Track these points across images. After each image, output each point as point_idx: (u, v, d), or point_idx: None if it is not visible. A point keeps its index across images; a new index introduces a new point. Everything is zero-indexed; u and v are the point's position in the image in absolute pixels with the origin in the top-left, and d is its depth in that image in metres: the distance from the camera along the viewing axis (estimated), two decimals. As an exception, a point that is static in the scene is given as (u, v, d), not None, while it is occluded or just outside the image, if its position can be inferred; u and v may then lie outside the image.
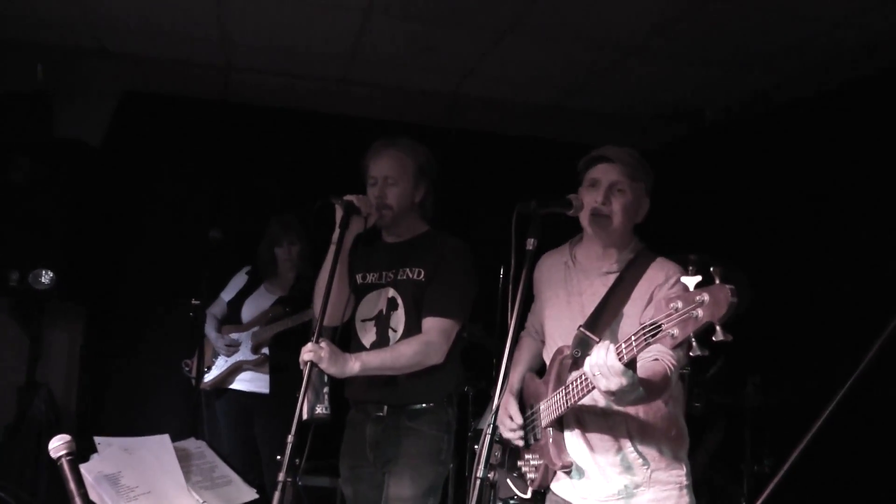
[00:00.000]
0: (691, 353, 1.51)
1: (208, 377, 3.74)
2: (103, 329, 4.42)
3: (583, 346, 2.01)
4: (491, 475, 1.83)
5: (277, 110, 4.71)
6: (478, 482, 1.78)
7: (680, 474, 2.08)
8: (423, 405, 2.48)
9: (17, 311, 4.37)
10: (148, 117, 4.51)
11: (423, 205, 2.61)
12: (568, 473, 2.11)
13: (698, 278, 1.50)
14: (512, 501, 3.25)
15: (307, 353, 2.20)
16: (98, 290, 4.36)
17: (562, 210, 2.05)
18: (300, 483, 3.95)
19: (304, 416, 2.13)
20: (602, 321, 2.05)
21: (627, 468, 2.05)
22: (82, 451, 1.76)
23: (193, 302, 3.60)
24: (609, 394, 1.76)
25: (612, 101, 4.62)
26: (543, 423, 2.12)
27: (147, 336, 4.40)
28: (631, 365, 1.71)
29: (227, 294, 3.93)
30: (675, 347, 1.56)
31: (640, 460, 2.05)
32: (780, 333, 3.84)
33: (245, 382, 3.74)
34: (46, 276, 3.94)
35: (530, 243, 1.93)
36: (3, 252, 3.96)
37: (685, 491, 2.06)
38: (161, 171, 4.51)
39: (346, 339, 2.56)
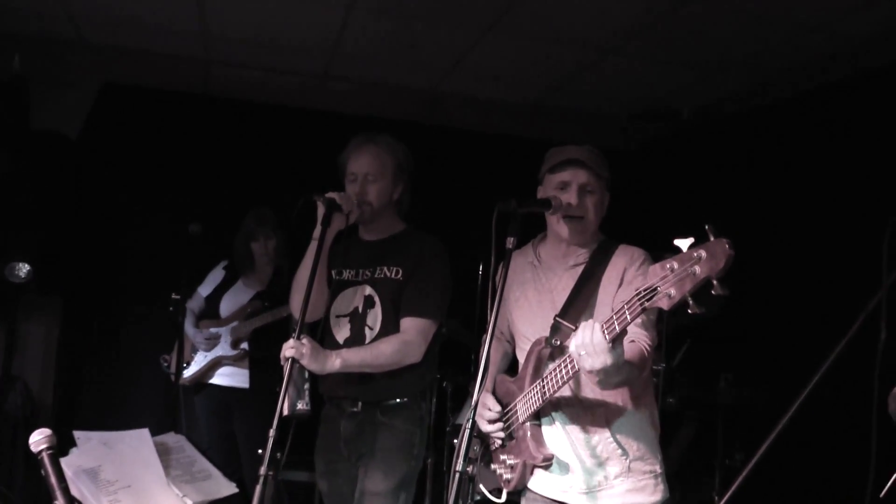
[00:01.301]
0: (689, 311, 1.52)
1: (188, 373, 3.73)
2: (80, 322, 4.39)
3: (560, 336, 2.04)
4: (470, 469, 1.85)
5: (258, 105, 4.70)
6: (457, 476, 1.81)
7: (655, 464, 2.12)
8: (397, 400, 2.51)
9: (-7, 303, 4.34)
10: (127, 109, 4.48)
11: (401, 201, 2.63)
12: (547, 468, 2.12)
13: (691, 240, 1.50)
14: (490, 496, 3.29)
15: (289, 350, 2.23)
16: (75, 283, 4.33)
17: (542, 209, 2.09)
18: (279, 478, 3.98)
19: (286, 412, 2.15)
20: (575, 309, 2.08)
21: (606, 459, 2.08)
22: (60, 445, 1.76)
23: (173, 296, 3.58)
24: (594, 374, 1.76)
25: (591, 101, 4.66)
26: (521, 418, 2.13)
27: (125, 330, 4.38)
28: (617, 343, 1.72)
29: (205, 289, 3.92)
30: (671, 308, 1.56)
31: (619, 451, 2.07)
32: (752, 332, 3.91)
33: (224, 377, 3.74)
34: (23, 269, 3.91)
35: (510, 242, 1.96)
36: (-22, 244, 3.94)
37: (660, 480, 2.11)
38: (140, 164, 4.48)
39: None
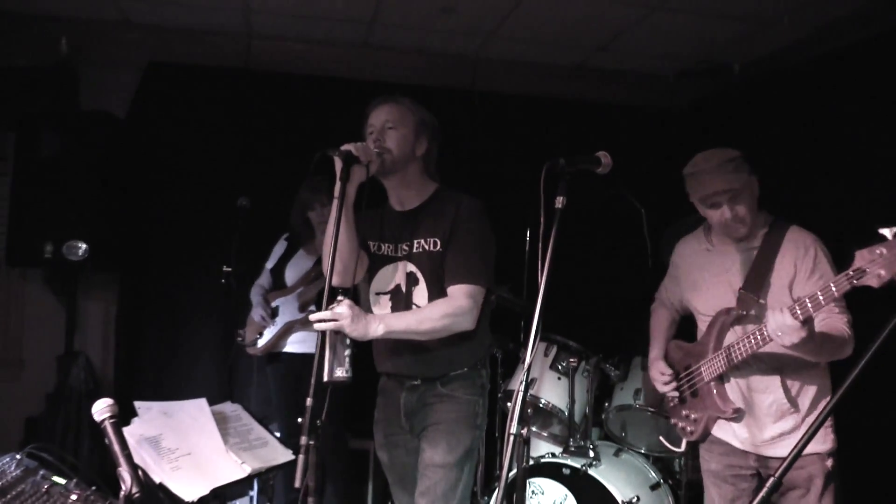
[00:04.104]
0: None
1: (261, 342, 3.79)
2: (137, 297, 4.48)
3: (745, 306, 2.34)
4: (524, 432, 1.85)
5: (300, 77, 4.70)
6: (511, 438, 1.80)
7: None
8: (457, 371, 2.43)
9: (53, 282, 4.47)
10: (172, 87, 4.52)
11: (427, 161, 2.49)
12: (735, 420, 2.38)
13: (895, 229, 1.79)
14: (544, 459, 3.31)
15: (327, 314, 2.13)
16: (130, 259, 4.42)
17: (590, 167, 2.05)
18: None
19: (325, 378, 2.08)
20: (754, 284, 2.34)
21: (781, 417, 2.33)
22: (122, 416, 1.81)
23: (224, 269, 3.64)
24: (796, 349, 2.10)
25: (637, 59, 4.55)
26: (706, 378, 2.42)
27: (180, 303, 4.45)
28: (809, 322, 2.05)
29: (270, 263, 3.96)
30: (880, 286, 1.83)
31: (792, 409, 2.32)
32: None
33: (296, 344, 3.78)
34: (80, 248, 4.02)
35: (559, 202, 1.94)
36: (36, 224, 4.04)
37: (829, 430, 2.31)
38: (187, 140, 4.53)
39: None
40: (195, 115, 4.54)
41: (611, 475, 3.17)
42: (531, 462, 3.30)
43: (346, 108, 4.63)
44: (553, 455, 3.36)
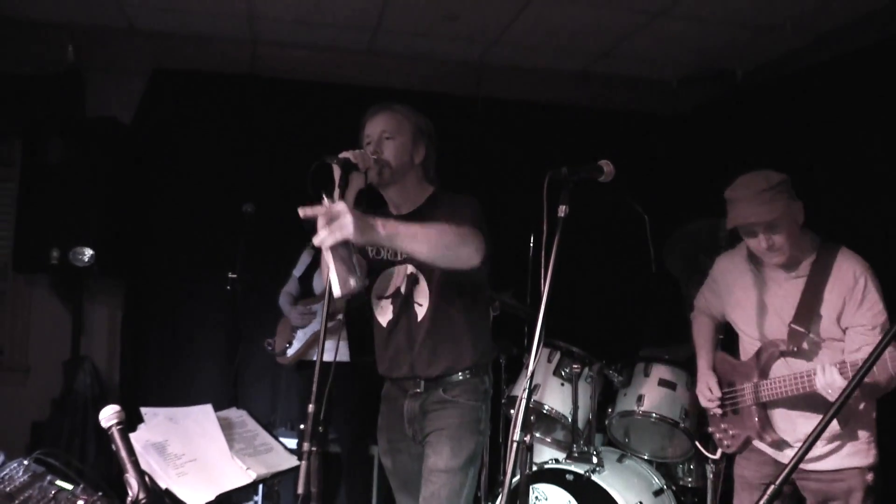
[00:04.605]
0: None
1: (290, 351, 3.78)
2: (142, 303, 4.50)
3: (794, 342, 2.34)
4: (527, 438, 1.87)
5: (305, 83, 4.72)
6: (515, 445, 1.82)
7: (870, 431, 2.34)
8: (460, 377, 2.44)
9: (59, 287, 4.49)
10: (178, 93, 4.55)
11: (426, 167, 2.47)
12: (773, 447, 2.41)
13: None
14: (547, 465, 3.31)
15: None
16: (136, 265, 4.44)
17: (593, 176, 2.06)
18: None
19: (339, 292, 1.97)
20: (803, 317, 2.33)
21: (830, 439, 2.32)
22: (127, 421, 1.82)
23: (230, 275, 3.65)
24: None
25: (640, 66, 4.56)
26: (748, 401, 2.44)
27: (185, 308, 4.47)
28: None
29: (298, 270, 3.95)
30: None
31: (840, 431, 2.31)
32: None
33: (326, 353, 3.72)
34: (86, 254, 4.03)
35: (562, 210, 1.95)
36: (42, 230, 4.07)
37: (872, 445, 2.33)
38: (192, 147, 4.55)
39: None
40: (200, 121, 4.57)
41: (614, 481, 3.17)
42: (534, 468, 3.30)
43: (351, 115, 4.65)
44: (556, 461, 3.36)
